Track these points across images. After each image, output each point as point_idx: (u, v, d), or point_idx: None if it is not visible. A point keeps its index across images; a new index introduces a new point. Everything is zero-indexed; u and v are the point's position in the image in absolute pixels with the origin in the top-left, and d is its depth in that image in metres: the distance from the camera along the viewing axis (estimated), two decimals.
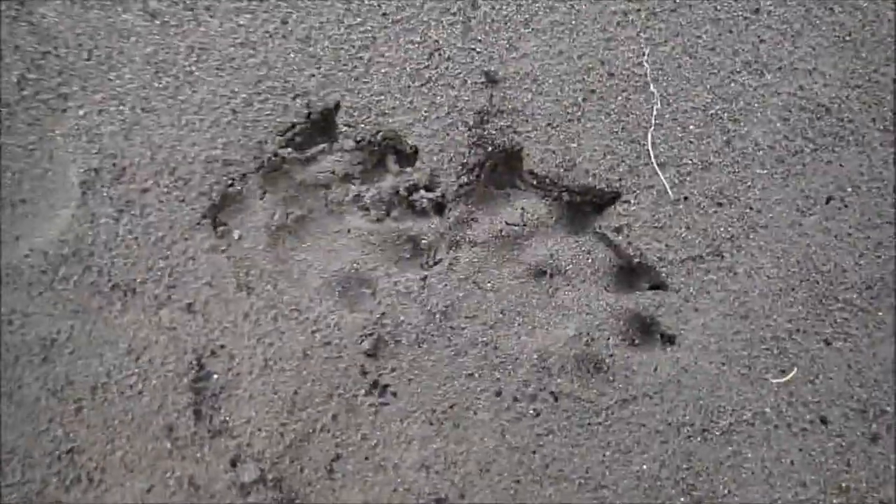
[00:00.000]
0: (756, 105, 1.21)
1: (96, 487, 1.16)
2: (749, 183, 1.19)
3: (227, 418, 1.19)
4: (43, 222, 1.21)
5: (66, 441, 1.18)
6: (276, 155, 1.22)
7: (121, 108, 1.22)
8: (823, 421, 1.15)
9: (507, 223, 1.19)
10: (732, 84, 1.21)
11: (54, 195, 1.22)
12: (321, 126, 1.25)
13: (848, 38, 1.21)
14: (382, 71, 1.23)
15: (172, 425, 1.17)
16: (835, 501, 1.13)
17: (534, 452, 1.16)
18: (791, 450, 1.13)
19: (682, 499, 1.12)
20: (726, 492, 1.13)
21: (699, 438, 1.15)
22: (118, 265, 1.19)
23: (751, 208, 1.19)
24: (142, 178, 1.21)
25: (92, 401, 1.18)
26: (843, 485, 1.13)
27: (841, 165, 1.20)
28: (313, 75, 1.21)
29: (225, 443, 1.19)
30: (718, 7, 1.20)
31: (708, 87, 1.21)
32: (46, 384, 1.18)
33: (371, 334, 1.18)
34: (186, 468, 1.18)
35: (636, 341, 1.19)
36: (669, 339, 1.18)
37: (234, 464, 1.19)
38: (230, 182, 1.21)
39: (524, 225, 1.21)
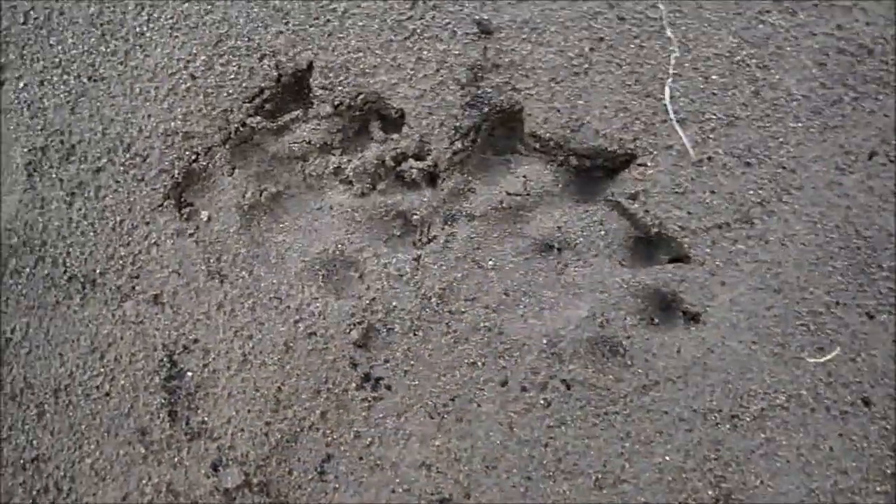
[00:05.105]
0: (788, 49, 1.14)
1: (66, 497, 1.13)
2: (781, 139, 1.13)
3: (206, 419, 1.16)
4: None
5: (29, 449, 1.15)
6: (244, 125, 1.16)
7: (65, 77, 1.16)
8: (866, 402, 1.09)
9: (508, 193, 1.13)
10: (761, 25, 1.13)
11: None
12: (294, 90, 1.19)
13: None
14: (360, 24, 1.16)
15: (145, 428, 1.13)
16: (878, 489, 1.08)
17: (545, 446, 1.13)
18: (830, 435, 1.08)
19: (709, 491, 1.07)
20: (758, 483, 1.08)
21: (728, 425, 1.12)
22: (74, 255, 1.13)
23: (783, 168, 1.13)
24: (94, 157, 1.15)
25: (55, 404, 1.14)
26: (888, 471, 1.08)
27: (885, 116, 1.12)
28: (281, 32, 1.13)
29: (205, 445, 1.16)
30: None
31: (733, 29, 1.12)
32: (3, 388, 1.15)
33: (360, 323, 1.14)
34: (164, 474, 1.15)
35: (655, 321, 1.13)
36: (693, 318, 1.12)
37: (215, 468, 1.17)
38: (194, 157, 1.16)
39: (527, 194, 1.13)
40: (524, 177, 1.16)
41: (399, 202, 1.15)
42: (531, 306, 1.15)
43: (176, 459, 1.16)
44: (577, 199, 1.19)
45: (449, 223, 1.15)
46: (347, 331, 1.13)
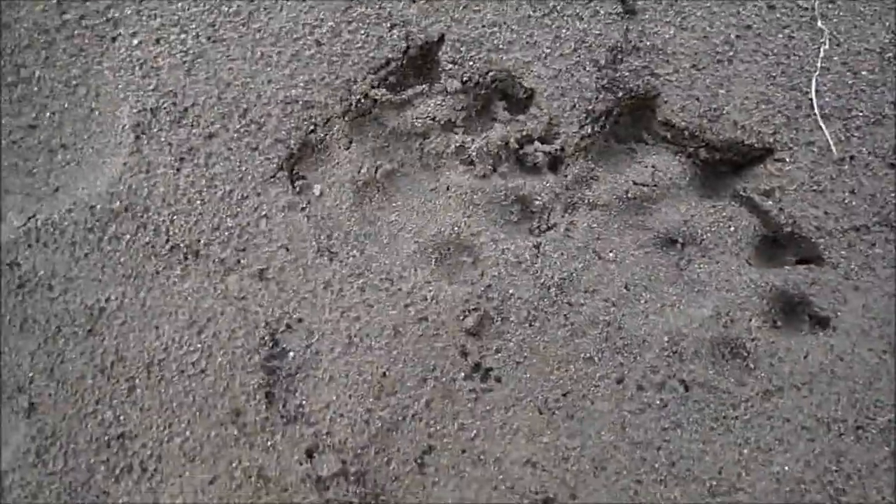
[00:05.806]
0: None
1: (150, 478, 1.17)
2: None
3: (304, 402, 1.28)
4: (89, 172, 1.32)
5: (115, 425, 1.27)
6: (366, 96, 1.30)
7: (182, 36, 1.31)
8: None
9: (634, 183, 1.17)
10: None
11: (102, 140, 1.31)
12: (420, 63, 1.34)
13: None
14: None
15: (240, 409, 1.21)
16: None
17: (658, 449, 1.23)
18: None
19: None
20: (879, 498, 1.15)
21: (852, 437, 1.24)
22: (178, 224, 1.23)
23: None
24: (207, 122, 1.30)
25: (146, 380, 1.23)
26: None
27: None
28: (414, 1, 1.25)
29: (300, 430, 1.27)
30: None
31: (886, 24, 1.20)
32: (93, 360, 1.28)
33: (474, 309, 1.27)
34: (255, 458, 1.27)
35: (779, 324, 1.09)
36: (820, 322, 1.23)
37: (310, 454, 1.26)
38: (311, 128, 1.29)
39: (654, 185, 1.15)
40: (653, 167, 1.19)
41: (520, 186, 1.18)
42: (652, 302, 1.16)
43: (269, 443, 1.28)
44: (702, 193, 1.20)
45: (570, 211, 1.21)
46: (460, 317, 1.20)
